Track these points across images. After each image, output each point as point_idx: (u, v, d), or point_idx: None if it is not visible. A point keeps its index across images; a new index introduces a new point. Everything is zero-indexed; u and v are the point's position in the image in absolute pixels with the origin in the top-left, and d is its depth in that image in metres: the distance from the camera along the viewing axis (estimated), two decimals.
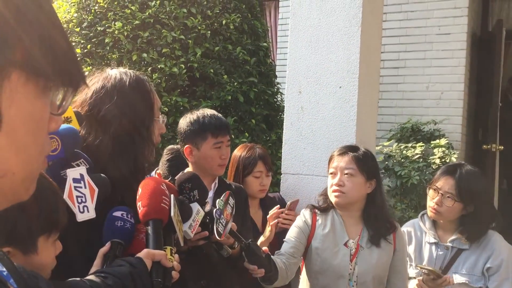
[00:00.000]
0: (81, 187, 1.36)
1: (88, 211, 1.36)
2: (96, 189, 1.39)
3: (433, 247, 2.53)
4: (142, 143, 1.51)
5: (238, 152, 2.86)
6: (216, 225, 1.55)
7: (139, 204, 1.39)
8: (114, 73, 1.55)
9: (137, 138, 1.49)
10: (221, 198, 1.65)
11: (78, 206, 1.34)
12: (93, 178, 1.40)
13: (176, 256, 1.37)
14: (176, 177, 1.64)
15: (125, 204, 1.43)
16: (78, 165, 1.41)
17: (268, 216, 2.61)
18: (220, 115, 2.29)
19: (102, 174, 1.43)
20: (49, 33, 0.58)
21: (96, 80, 1.53)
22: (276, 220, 2.57)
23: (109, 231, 1.38)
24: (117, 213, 1.40)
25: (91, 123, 1.49)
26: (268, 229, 2.53)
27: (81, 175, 1.37)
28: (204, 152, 2.21)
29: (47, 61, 0.57)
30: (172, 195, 1.43)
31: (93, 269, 1.32)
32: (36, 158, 0.62)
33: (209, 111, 2.27)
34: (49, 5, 0.60)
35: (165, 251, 1.32)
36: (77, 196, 1.35)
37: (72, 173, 1.36)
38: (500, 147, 5.60)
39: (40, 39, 0.56)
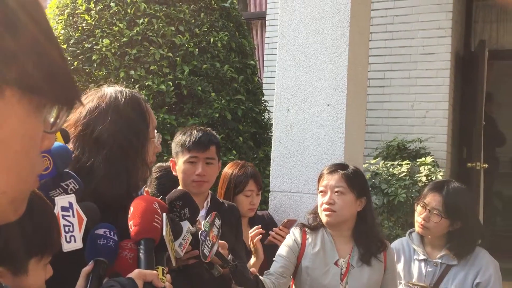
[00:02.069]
0: (69, 216, 1.31)
1: (75, 241, 1.31)
2: (85, 219, 1.34)
3: (422, 264, 2.55)
4: (136, 164, 1.48)
5: (229, 169, 2.84)
6: (201, 247, 1.53)
7: (130, 223, 1.36)
8: (110, 92, 1.51)
9: (131, 159, 1.46)
10: (206, 220, 1.63)
11: (65, 236, 1.30)
12: (82, 206, 1.35)
13: (168, 276, 1.34)
14: (167, 195, 1.61)
15: (118, 226, 1.39)
16: (67, 186, 1.37)
17: (250, 235, 2.57)
18: (209, 132, 2.28)
19: (91, 203, 1.39)
20: (45, 51, 0.57)
21: (90, 99, 1.50)
22: (260, 236, 2.54)
23: (92, 249, 1.34)
24: (100, 231, 1.36)
25: (84, 144, 1.45)
26: (253, 248, 2.51)
27: (70, 203, 1.32)
28: (180, 166, 2.23)
29: (42, 78, 0.56)
30: (164, 214, 1.40)
31: None
32: (28, 177, 0.61)
33: (200, 128, 2.29)
34: (47, 23, 0.59)
35: (156, 271, 1.29)
36: (64, 225, 1.30)
37: (61, 201, 1.31)
38: (484, 165, 5.66)
39: (37, 57, 0.55)
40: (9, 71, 0.53)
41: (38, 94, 0.57)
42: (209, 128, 2.36)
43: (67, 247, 1.30)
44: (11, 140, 0.56)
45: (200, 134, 2.23)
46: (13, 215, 0.61)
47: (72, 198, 1.34)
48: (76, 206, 1.34)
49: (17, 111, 0.55)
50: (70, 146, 1.46)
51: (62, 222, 1.30)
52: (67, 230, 1.31)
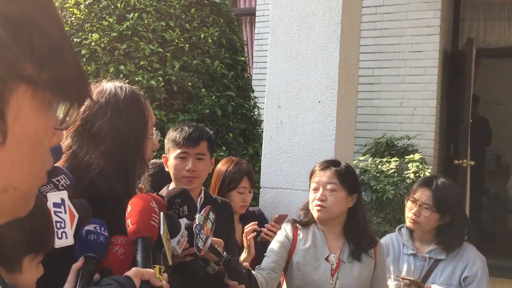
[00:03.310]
0: (61, 212, 1.30)
1: (66, 237, 1.30)
2: (77, 215, 1.33)
3: (411, 259, 2.60)
4: (134, 161, 1.47)
5: (224, 166, 2.83)
6: (195, 240, 1.53)
7: (128, 221, 1.36)
8: (109, 87, 1.51)
9: (129, 156, 1.46)
10: (201, 213, 1.63)
11: (57, 232, 1.28)
12: (74, 203, 1.34)
13: (165, 275, 1.34)
14: (165, 192, 1.61)
15: (115, 222, 1.39)
16: (58, 181, 1.36)
17: (245, 231, 2.58)
18: (201, 128, 2.27)
19: (83, 200, 1.38)
20: (59, 48, 0.57)
21: None
22: (254, 234, 2.55)
23: (82, 245, 1.33)
24: (90, 227, 1.36)
25: (83, 139, 1.45)
26: (247, 244, 2.51)
27: (62, 200, 1.31)
28: (171, 162, 2.24)
29: (55, 75, 0.56)
30: (162, 213, 1.40)
31: (67, 285, 1.28)
32: (38, 174, 0.61)
33: (191, 123, 2.29)
34: (59, 19, 0.59)
35: (153, 269, 1.29)
36: (56, 221, 1.28)
37: (53, 197, 1.30)
38: (471, 162, 5.73)
39: (51, 53, 0.56)
40: (23, 67, 0.53)
41: (50, 90, 0.57)
42: (202, 124, 2.35)
43: (58, 243, 1.29)
44: (24, 136, 0.56)
45: (190, 130, 2.22)
46: (22, 211, 0.61)
47: (64, 194, 1.33)
48: (68, 202, 1.33)
49: (30, 107, 0.55)
50: (68, 140, 1.45)
51: (54, 218, 1.29)
52: (58, 226, 1.30)
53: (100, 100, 1.47)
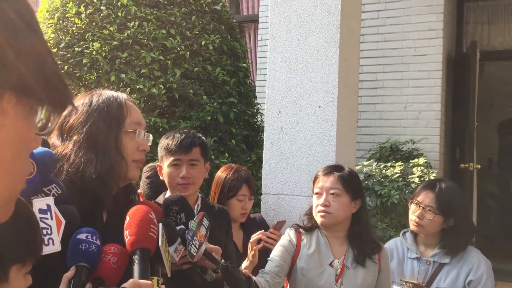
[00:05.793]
0: (47, 218, 1.29)
1: (53, 244, 1.29)
2: (63, 221, 1.32)
3: (415, 263, 2.58)
4: (107, 152, 1.47)
5: (223, 173, 2.81)
6: (188, 246, 1.51)
7: (126, 232, 1.35)
8: (96, 91, 1.57)
9: (100, 147, 1.46)
10: (194, 219, 1.61)
11: (43, 238, 1.27)
12: (60, 209, 1.33)
13: (163, 287, 1.33)
14: (162, 199, 1.61)
15: (92, 217, 1.38)
16: (49, 191, 1.35)
17: (251, 241, 2.56)
18: (193, 134, 2.26)
19: (71, 206, 1.38)
20: (41, 57, 0.58)
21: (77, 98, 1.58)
22: (260, 245, 2.53)
23: (73, 255, 1.32)
24: (81, 236, 1.34)
25: (62, 133, 1.50)
26: (251, 253, 2.49)
27: (48, 206, 1.30)
28: (165, 170, 2.23)
29: (38, 82, 0.57)
30: (160, 224, 1.39)
31: None
32: (19, 180, 0.61)
33: (183, 130, 2.28)
34: (40, 30, 0.61)
35: (151, 281, 1.28)
36: (42, 228, 1.26)
37: (39, 203, 1.29)
38: (477, 165, 5.67)
39: (34, 62, 0.56)
40: (8, 76, 0.54)
41: (33, 97, 0.57)
42: (193, 130, 2.34)
43: (45, 250, 1.27)
44: (6, 143, 0.56)
45: (182, 136, 2.21)
46: (3, 216, 0.61)
47: (50, 200, 1.32)
48: (54, 208, 1.31)
49: (13, 114, 0.56)
50: (53, 138, 1.51)
51: (40, 224, 1.28)
52: (45, 232, 1.29)
53: (80, 99, 1.54)
